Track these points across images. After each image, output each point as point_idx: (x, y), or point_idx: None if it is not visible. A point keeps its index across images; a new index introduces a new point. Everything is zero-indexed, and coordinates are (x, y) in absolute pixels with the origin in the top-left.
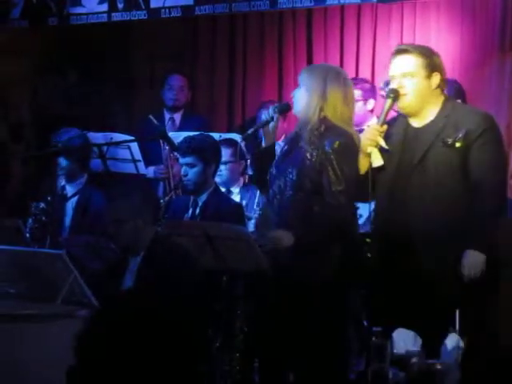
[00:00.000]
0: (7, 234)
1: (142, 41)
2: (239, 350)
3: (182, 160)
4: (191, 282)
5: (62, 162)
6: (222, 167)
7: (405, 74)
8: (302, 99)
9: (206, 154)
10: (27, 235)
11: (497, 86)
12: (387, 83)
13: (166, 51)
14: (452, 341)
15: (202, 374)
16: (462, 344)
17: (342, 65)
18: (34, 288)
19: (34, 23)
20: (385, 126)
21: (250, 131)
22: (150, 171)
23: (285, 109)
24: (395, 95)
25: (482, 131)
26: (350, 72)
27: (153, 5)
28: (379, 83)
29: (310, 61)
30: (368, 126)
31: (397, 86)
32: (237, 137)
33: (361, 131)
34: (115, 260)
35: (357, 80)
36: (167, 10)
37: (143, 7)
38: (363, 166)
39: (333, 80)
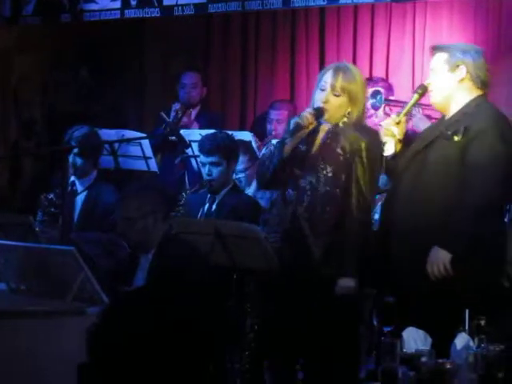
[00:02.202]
0: (18, 231)
1: (155, 38)
2: (249, 348)
3: (205, 159)
4: (202, 279)
5: (74, 158)
6: (240, 174)
7: (431, 70)
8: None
9: (230, 152)
10: (37, 229)
11: (508, 85)
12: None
13: (179, 48)
14: (462, 340)
15: (211, 372)
16: (471, 343)
17: (355, 64)
18: (44, 284)
19: (46, 20)
20: (403, 119)
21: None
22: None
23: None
24: (423, 91)
25: (483, 128)
26: (363, 71)
27: (166, 2)
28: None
29: (322, 60)
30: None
31: (426, 82)
32: (248, 135)
33: None
34: (126, 257)
35: (377, 79)
36: (180, 8)
37: (156, 4)
38: None
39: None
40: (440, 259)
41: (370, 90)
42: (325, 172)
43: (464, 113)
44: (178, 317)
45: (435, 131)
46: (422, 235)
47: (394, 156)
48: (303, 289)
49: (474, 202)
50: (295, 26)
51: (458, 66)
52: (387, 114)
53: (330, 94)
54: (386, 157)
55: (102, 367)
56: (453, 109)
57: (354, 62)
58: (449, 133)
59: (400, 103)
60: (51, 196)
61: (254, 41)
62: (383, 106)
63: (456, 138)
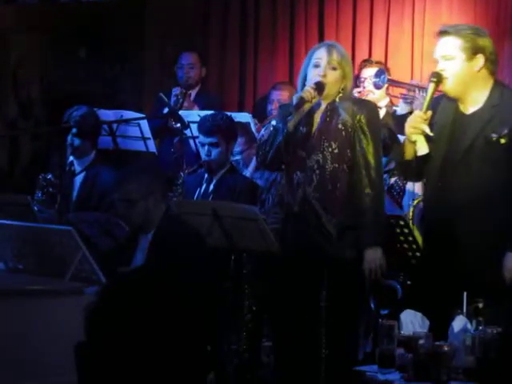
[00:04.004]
0: (16, 210)
1: (154, 18)
2: (247, 329)
3: (204, 139)
4: (200, 260)
5: (72, 138)
6: (238, 156)
7: (444, 56)
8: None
9: (229, 133)
10: (35, 209)
11: (508, 70)
12: (379, 73)
13: (178, 29)
14: (459, 323)
15: (209, 352)
16: (469, 326)
17: (354, 46)
18: (42, 264)
19: (44, 0)
20: (429, 113)
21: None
22: None
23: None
24: (438, 79)
25: None
26: (363, 53)
27: None
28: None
29: (321, 42)
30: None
31: (438, 69)
32: (247, 117)
33: None
34: (125, 238)
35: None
36: None
37: None
38: (408, 153)
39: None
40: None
41: (374, 70)
42: (330, 149)
43: (492, 106)
44: (175, 297)
45: (468, 133)
46: (482, 246)
47: (427, 156)
48: (315, 269)
49: None
50: (294, 7)
51: (475, 54)
52: (388, 94)
53: (327, 68)
54: (418, 157)
55: (100, 347)
56: (471, 98)
57: (353, 45)
58: (494, 137)
59: (403, 84)
60: (49, 176)
61: (254, 22)
62: (386, 85)
63: (503, 141)
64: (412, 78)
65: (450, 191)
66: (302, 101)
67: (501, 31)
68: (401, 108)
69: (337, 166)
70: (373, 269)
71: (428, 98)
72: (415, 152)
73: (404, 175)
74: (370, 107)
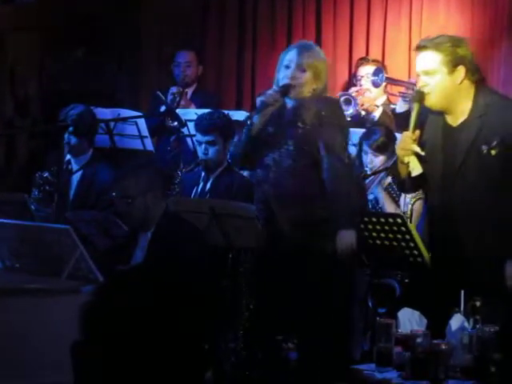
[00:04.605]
0: (13, 209)
1: (151, 16)
2: (244, 327)
3: (201, 138)
4: (199, 258)
5: (69, 137)
6: None
7: (426, 72)
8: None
9: (226, 131)
10: (32, 207)
11: (505, 68)
12: (377, 72)
13: (175, 27)
14: (457, 321)
15: (206, 350)
16: (467, 324)
17: (351, 44)
18: (39, 263)
19: None
20: (417, 132)
21: None
22: None
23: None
24: (420, 98)
25: None
26: (360, 51)
27: None
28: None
29: (319, 40)
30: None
31: (420, 84)
32: (245, 115)
33: None
34: (123, 236)
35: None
36: None
37: None
38: (403, 173)
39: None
40: None
41: (370, 68)
42: (286, 146)
43: (479, 116)
44: (173, 295)
45: (460, 146)
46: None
47: (421, 175)
48: (281, 265)
49: None
50: (292, 6)
51: (456, 67)
52: (387, 92)
53: (296, 71)
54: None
55: (96, 346)
56: (456, 110)
57: (351, 43)
58: (484, 150)
59: (401, 82)
60: (46, 174)
61: (251, 20)
62: (384, 84)
63: (493, 153)
64: (410, 77)
65: (450, 205)
66: (263, 104)
67: (498, 30)
68: (399, 106)
69: (291, 162)
70: (344, 250)
71: (414, 117)
72: (409, 172)
73: (401, 191)
74: (330, 102)
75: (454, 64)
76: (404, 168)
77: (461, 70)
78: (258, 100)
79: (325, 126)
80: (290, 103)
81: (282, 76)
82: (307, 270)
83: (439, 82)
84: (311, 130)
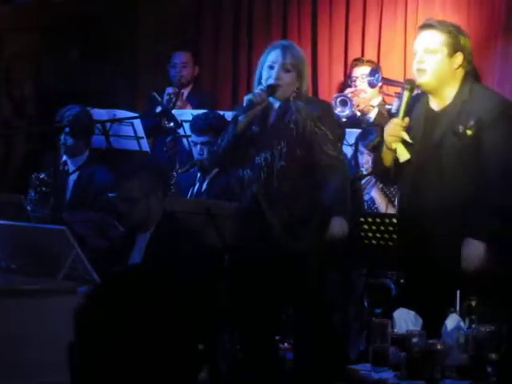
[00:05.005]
0: (9, 210)
1: (147, 17)
2: (240, 327)
3: (196, 139)
4: (197, 259)
5: (65, 138)
6: None
7: (427, 49)
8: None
9: (221, 132)
10: (29, 208)
11: (501, 67)
12: (373, 72)
13: (171, 27)
14: (452, 321)
15: (202, 352)
16: (462, 324)
17: (347, 45)
18: (35, 263)
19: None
20: (406, 120)
21: None
22: None
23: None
24: (411, 87)
25: (494, 117)
26: (355, 52)
27: None
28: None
29: (314, 41)
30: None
31: (417, 60)
32: None
33: None
34: (119, 237)
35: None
36: None
37: None
38: (387, 160)
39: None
40: (476, 253)
41: (365, 68)
42: (279, 147)
43: (462, 101)
44: (169, 296)
45: (438, 128)
46: (455, 236)
47: (407, 162)
48: (269, 265)
49: (498, 189)
50: (288, 6)
51: (456, 52)
52: (382, 93)
53: (280, 71)
54: (398, 164)
55: (92, 347)
56: (442, 94)
57: (346, 44)
58: (460, 129)
59: (397, 83)
60: (42, 175)
61: (247, 21)
62: (380, 84)
63: (469, 133)
64: (405, 78)
65: (423, 188)
66: (251, 103)
67: (493, 31)
68: (395, 106)
69: (284, 164)
70: (335, 236)
71: (404, 105)
72: (395, 159)
73: (383, 181)
74: (323, 106)
75: (454, 48)
76: (390, 155)
77: (459, 56)
78: (246, 99)
79: (319, 129)
80: (276, 103)
81: (267, 77)
82: (295, 270)
83: (438, 61)
84: (304, 132)
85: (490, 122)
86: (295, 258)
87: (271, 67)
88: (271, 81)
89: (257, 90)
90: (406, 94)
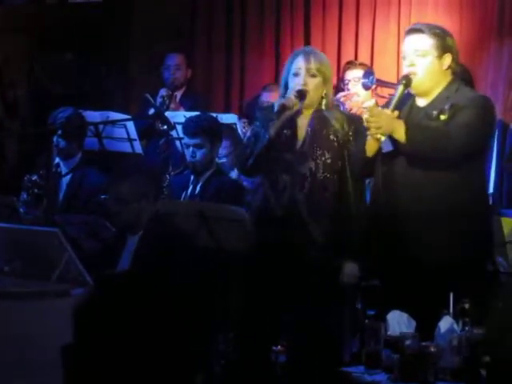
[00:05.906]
0: (2, 211)
1: (140, 19)
2: (234, 330)
3: (189, 141)
4: (189, 261)
5: (58, 140)
6: (223, 158)
7: (417, 51)
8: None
9: (214, 134)
10: (21, 210)
11: (494, 71)
12: (367, 74)
13: (164, 30)
14: (446, 323)
15: (196, 353)
16: (456, 326)
17: (340, 48)
18: (28, 266)
19: (32, 0)
20: (396, 113)
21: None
22: None
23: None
24: (407, 81)
25: (470, 104)
26: (348, 56)
27: None
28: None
29: (307, 43)
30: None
31: (407, 63)
32: (234, 118)
33: None
34: (112, 239)
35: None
36: None
37: None
38: (370, 151)
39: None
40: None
41: (358, 71)
42: (323, 158)
43: (446, 97)
44: (163, 299)
45: (417, 117)
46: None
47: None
48: (298, 273)
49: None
50: (280, 9)
51: (444, 53)
52: (376, 95)
53: (306, 77)
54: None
55: (86, 349)
56: (430, 93)
57: (339, 47)
58: (434, 114)
59: (392, 85)
60: (35, 177)
61: (240, 24)
62: (374, 86)
63: (442, 117)
64: (398, 80)
65: (392, 181)
66: (283, 108)
67: (486, 33)
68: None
69: (328, 175)
70: (349, 283)
71: (397, 97)
72: (377, 149)
73: (359, 171)
74: (359, 122)
75: (443, 50)
76: (374, 145)
77: (447, 57)
78: (277, 104)
79: (351, 145)
80: (306, 110)
81: (294, 84)
82: (322, 281)
83: (429, 63)
84: (342, 146)
85: (464, 105)
86: (330, 268)
87: (297, 74)
88: (299, 87)
89: (288, 95)
90: (400, 88)
